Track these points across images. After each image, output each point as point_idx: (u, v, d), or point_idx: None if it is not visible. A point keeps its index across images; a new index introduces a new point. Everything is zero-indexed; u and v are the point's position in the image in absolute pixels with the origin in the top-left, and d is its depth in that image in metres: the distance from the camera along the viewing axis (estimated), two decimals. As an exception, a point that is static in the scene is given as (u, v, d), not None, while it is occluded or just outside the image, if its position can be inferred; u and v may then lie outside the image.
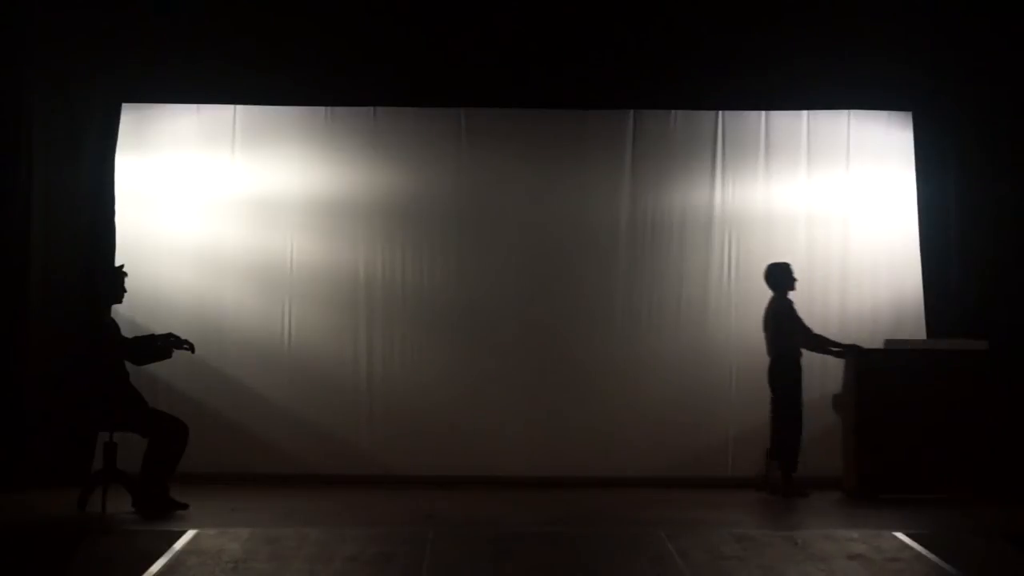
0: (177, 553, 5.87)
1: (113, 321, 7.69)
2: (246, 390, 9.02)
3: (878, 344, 8.53)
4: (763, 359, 8.49)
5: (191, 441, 7.29)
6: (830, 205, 9.29)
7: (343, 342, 9.14)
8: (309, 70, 8.74)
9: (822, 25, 8.64)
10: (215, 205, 9.17)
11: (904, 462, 7.98)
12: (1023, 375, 8.24)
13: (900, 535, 6.31)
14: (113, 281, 7.68)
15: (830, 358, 8.56)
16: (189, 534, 6.18)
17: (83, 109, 8.54)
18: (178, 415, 7.43)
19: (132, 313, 8.45)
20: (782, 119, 9.32)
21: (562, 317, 9.17)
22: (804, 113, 9.30)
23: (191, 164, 9.19)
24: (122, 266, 7.82)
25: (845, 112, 9.29)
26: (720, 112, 9.29)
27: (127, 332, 7.73)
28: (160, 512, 7.03)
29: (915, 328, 8.95)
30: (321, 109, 9.25)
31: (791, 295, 8.50)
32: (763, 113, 9.30)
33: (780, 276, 8.53)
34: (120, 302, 7.73)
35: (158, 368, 8.02)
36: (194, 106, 9.18)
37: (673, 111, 9.30)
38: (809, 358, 8.48)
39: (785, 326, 8.40)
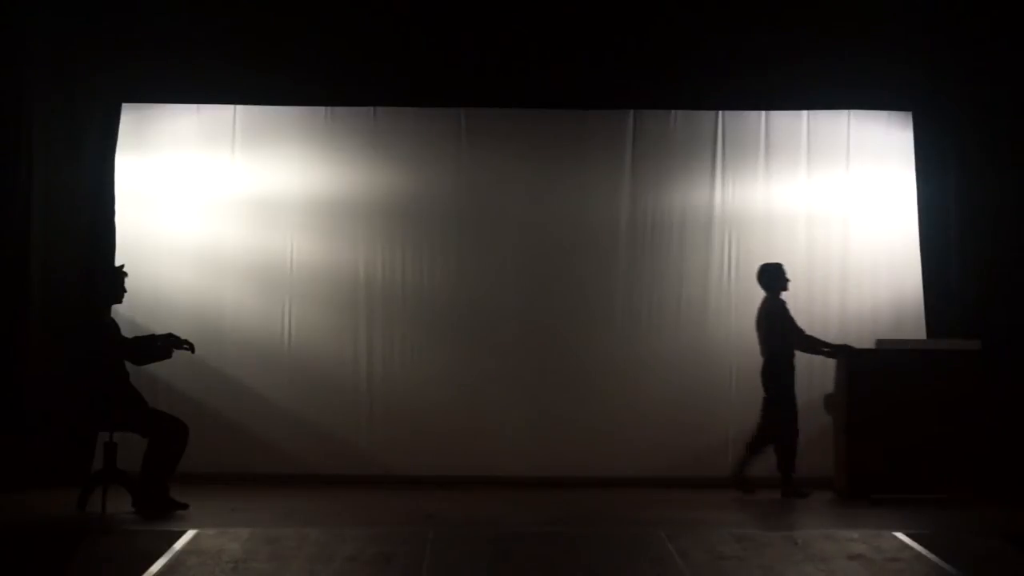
0: (177, 553, 5.87)
1: (113, 321, 7.68)
2: (246, 390, 9.03)
3: (878, 344, 8.55)
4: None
5: (191, 441, 7.28)
6: (830, 205, 9.29)
7: (343, 342, 9.15)
8: (309, 70, 8.75)
9: (822, 25, 8.64)
10: (215, 205, 9.17)
11: (895, 462, 7.94)
12: (1023, 375, 8.25)
13: (900, 535, 6.30)
14: (113, 281, 7.67)
15: (825, 359, 8.54)
16: (189, 534, 6.18)
17: (83, 109, 8.55)
18: (178, 415, 7.42)
19: (132, 313, 8.46)
20: (782, 119, 9.32)
21: (562, 317, 9.17)
22: (804, 113, 9.30)
23: (191, 164, 9.20)
24: (122, 266, 7.81)
25: (845, 112, 9.29)
26: (720, 112, 9.30)
27: (127, 332, 7.72)
28: (160, 512, 7.03)
29: (915, 328, 8.94)
30: (321, 109, 9.26)
31: (784, 295, 8.49)
32: (763, 113, 9.30)
33: (772, 277, 8.51)
34: (120, 302, 7.72)
35: (158, 368, 8.01)
36: (194, 106, 9.19)
37: (673, 111, 9.30)
38: (803, 359, 8.47)
39: (778, 326, 8.40)
